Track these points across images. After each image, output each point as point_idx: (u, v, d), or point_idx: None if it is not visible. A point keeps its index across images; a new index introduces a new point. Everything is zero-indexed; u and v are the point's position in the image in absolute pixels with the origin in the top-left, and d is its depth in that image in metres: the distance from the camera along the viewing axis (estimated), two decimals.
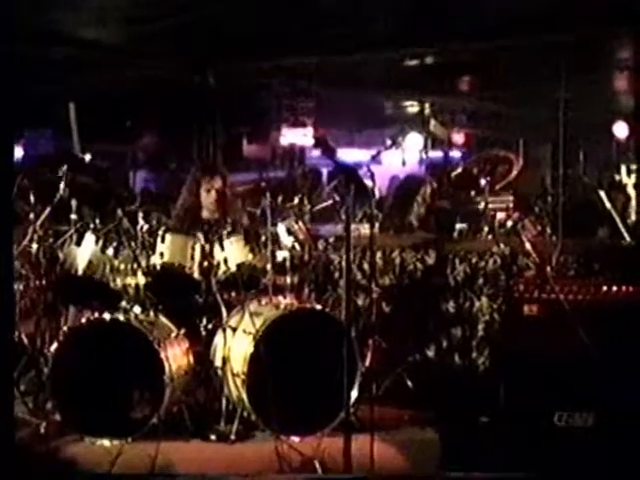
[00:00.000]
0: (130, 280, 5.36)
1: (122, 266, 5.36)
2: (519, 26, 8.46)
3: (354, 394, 4.93)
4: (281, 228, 5.57)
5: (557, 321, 4.79)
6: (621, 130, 11.72)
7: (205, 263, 5.42)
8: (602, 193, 6.28)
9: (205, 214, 5.99)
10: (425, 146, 11.20)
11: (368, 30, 8.82)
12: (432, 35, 9.01)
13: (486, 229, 6.59)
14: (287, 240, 5.55)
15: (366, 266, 6.29)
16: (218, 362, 5.26)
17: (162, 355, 4.95)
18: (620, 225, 6.34)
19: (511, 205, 7.11)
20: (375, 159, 6.57)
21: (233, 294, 5.53)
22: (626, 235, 6.22)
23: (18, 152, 10.50)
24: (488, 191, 6.63)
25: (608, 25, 8.23)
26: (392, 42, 9.24)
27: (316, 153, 10.98)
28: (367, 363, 5.45)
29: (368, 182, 5.80)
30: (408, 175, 8.40)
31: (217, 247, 5.44)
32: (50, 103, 10.31)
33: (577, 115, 9.40)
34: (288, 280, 5.49)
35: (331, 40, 9.02)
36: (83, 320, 5.22)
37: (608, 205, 6.24)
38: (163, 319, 5.41)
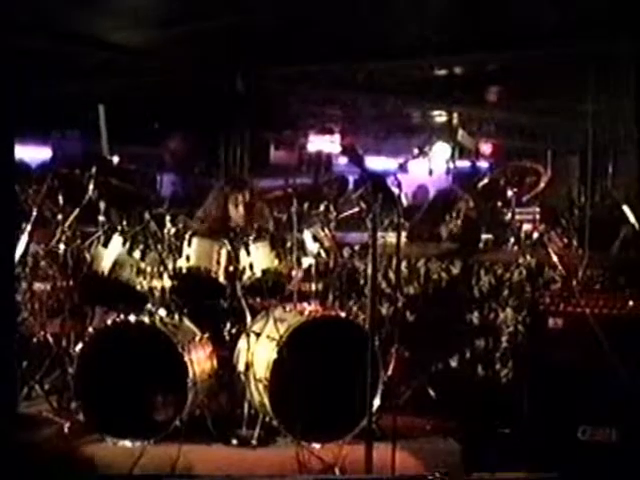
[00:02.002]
0: (156, 283, 5.39)
1: (148, 269, 5.39)
2: (548, 36, 8.44)
3: (376, 402, 4.93)
4: (307, 235, 5.58)
5: (582, 335, 4.77)
6: None
7: (231, 268, 5.44)
8: (626, 208, 6.24)
9: (233, 224, 6.01)
10: (452, 156, 11.16)
11: (397, 38, 8.83)
12: (461, 45, 9.00)
13: (512, 240, 6.56)
14: (313, 247, 5.56)
15: (391, 275, 6.28)
16: (241, 367, 5.27)
17: (186, 358, 4.97)
18: None
19: (538, 217, 7.08)
20: (402, 168, 6.55)
21: (258, 299, 5.54)
22: None
23: (46, 153, 10.58)
24: (515, 202, 6.60)
25: (638, 36, 8.18)
26: (421, 51, 9.24)
27: (343, 160, 10.98)
28: (390, 372, 5.44)
29: (395, 190, 5.79)
30: (445, 189, 8.38)
31: (243, 252, 5.46)
32: (79, 105, 10.38)
33: (605, 127, 9.35)
34: (313, 287, 5.50)
35: (360, 48, 9.03)
36: (108, 321, 5.24)
37: (632, 219, 6.19)
38: (188, 322, 5.43)
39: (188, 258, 5.39)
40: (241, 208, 6.00)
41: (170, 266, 5.39)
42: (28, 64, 3.55)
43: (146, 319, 5.16)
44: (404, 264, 6.34)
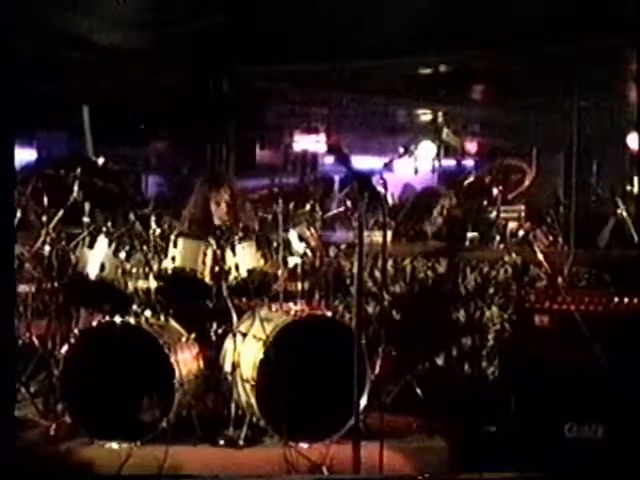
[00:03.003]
0: (141, 284, 5.38)
1: (134, 270, 5.37)
2: (533, 35, 8.46)
3: (363, 401, 4.93)
4: (293, 234, 5.58)
5: (568, 332, 4.78)
6: (634, 141, 11.67)
7: (216, 268, 5.43)
8: (619, 201, 6.27)
9: (217, 222, 6.00)
10: (438, 154, 11.17)
11: (382, 37, 8.83)
12: (446, 43, 9.01)
13: (498, 238, 6.58)
14: (299, 246, 5.56)
15: (377, 273, 6.29)
16: (228, 367, 5.26)
17: (172, 359, 4.96)
18: (635, 235, 6.32)
19: (523, 215, 7.10)
20: (388, 167, 6.58)
21: (244, 299, 5.54)
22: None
23: (31, 154, 10.55)
24: (500, 200, 6.62)
25: (623, 35, 8.21)
26: (406, 50, 9.25)
27: (329, 160, 11.00)
28: (376, 370, 5.45)
29: (381, 190, 5.81)
30: (428, 187, 8.40)
31: (229, 252, 5.45)
32: (64, 106, 10.35)
33: (590, 125, 9.38)
34: (299, 286, 5.50)
35: (344, 47, 9.03)
36: (94, 323, 5.24)
37: (625, 214, 6.22)
38: (174, 323, 5.43)
39: (174, 259, 5.37)
40: (223, 205, 5.98)
41: (156, 267, 5.37)
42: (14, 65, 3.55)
43: (132, 320, 5.15)
44: (390, 263, 6.34)
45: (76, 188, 5.61)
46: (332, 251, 6.25)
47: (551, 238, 6.79)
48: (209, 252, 5.44)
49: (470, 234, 7.00)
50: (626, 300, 4.81)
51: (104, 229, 5.45)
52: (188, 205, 6.14)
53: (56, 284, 5.67)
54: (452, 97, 11.40)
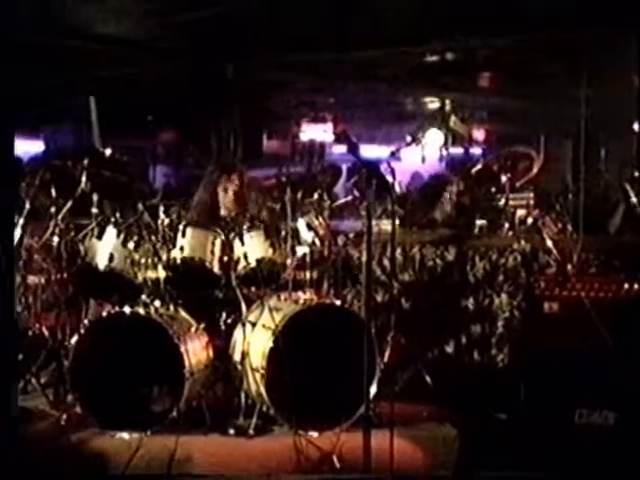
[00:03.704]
0: (150, 274, 5.38)
1: (143, 260, 5.37)
2: (541, 22, 8.43)
3: (373, 390, 4.93)
4: (301, 223, 5.58)
5: (577, 319, 4.77)
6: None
7: (225, 258, 5.43)
8: (627, 186, 6.24)
9: (223, 212, 5.99)
10: (445, 143, 11.14)
11: (389, 25, 8.81)
12: (453, 31, 8.98)
13: (506, 226, 6.56)
14: (307, 235, 5.55)
15: (386, 262, 6.28)
16: (237, 357, 5.26)
17: (182, 349, 4.96)
18: None
19: (532, 202, 7.08)
20: (395, 155, 6.54)
21: (253, 289, 5.53)
22: None
23: (39, 147, 10.55)
24: (509, 188, 6.60)
25: (629, 21, 8.18)
26: (413, 38, 9.22)
27: (336, 149, 10.97)
28: (386, 359, 5.45)
29: (389, 178, 5.79)
30: (436, 173, 8.37)
31: (237, 242, 5.44)
32: (70, 97, 10.35)
33: (598, 112, 9.35)
34: (308, 275, 5.49)
35: (351, 35, 9.01)
36: (103, 313, 5.24)
37: (634, 199, 6.20)
38: (183, 313, 5.43)
39: (182, 249, 5.37)
40: (231, 193, 5.97)
41: (164, 257, 5.37)
42: (20, 57, 3.55)
43: (141, 310, 5.15)
44: (398, 251, 6.34)
45: (84, 179, 5.62)
46: (341, 240, 6.25)
47: (560, 225, 6.76)
48: (218, 242, 5.43)
49: (479, 222, 6.99)
50: (636, 286, 4.80)
51: (112, 220, 5.45)
52: (198, 191, 6.13)
53: (65, 275, 5.68)
54: (459, 85, 11.37)
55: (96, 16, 8.77)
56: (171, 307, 5.38)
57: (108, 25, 9.05)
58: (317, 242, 5.56)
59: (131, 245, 5.37)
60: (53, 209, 5.72)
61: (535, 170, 6.86)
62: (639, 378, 4.60)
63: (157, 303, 5.32)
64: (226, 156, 10.37)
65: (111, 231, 5.39)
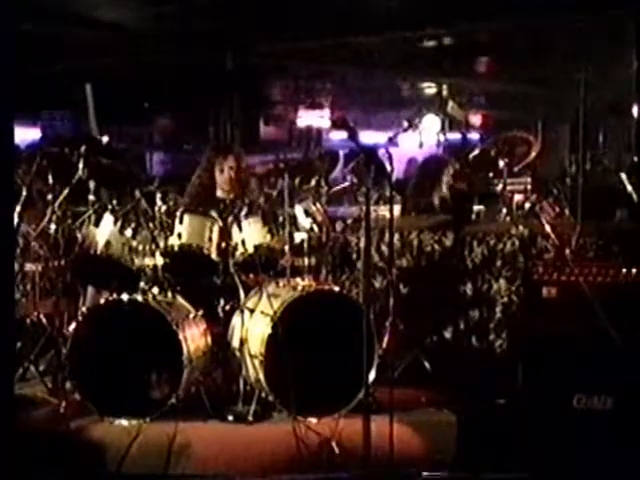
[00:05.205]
0: (148, 261, 5.37)
1: (140, 247, 5.36)
2: (537, 6, 8.41)
3: (372, 375, 4.93)
4: (299, 210, 5.57)
5: (576, 304, 4.76)
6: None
7: (223, 244, 5.42)
8: (623, 175, 6.22)
9: (219, 193, 6.00)
10: (442, 128, 11.13)
11: (385, 11, 8.78)
12: (450, 15, 8.96)
13: (504, 211, 6.56)
14: (305, 222, 5.54)
15: (384, 248, 6.27)
16: (236, 343, 5.27)
17: (180, 336, 4.96)
18: None
19: (529, 187, 7.08)
20: (392, 141, 6.53)
21: (251, 275, 5.53)
22: None
23: (36, 133, 10.53)
24: (506, 173, 6.59)
25: (628, 6, 8.16)
26: (409, 23, 9.20)
27: (333, 135, 10.97)
28: (384, 344, 5.45)
29: (386, 164, 5.78)
30: (431, 155, 8.34)
31: (235, 228, 5.44)
32: (67, 85, 10.32)
33: (596, 96, 9.33)
34: (306, 262, 5.49)
35: (348, 21, 8.99)
36: (101, 300, 5.24)
37: (629, 187, 6.18)
38: (181, 300, 5.42)
39: (180, 235, 5.37)
40: (226, 174, 5.98)
41: (162, 244, 5.37)
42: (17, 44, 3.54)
43: (139, 297, 5.15)
44: (396, 237, 6.33)
45: (81, 166, 5.60)
46: (338, 226, 6.24)
47: (558, 210, 6.75)
48: (215, 228, 5.43)
49: (476, 207, 6.98)
50: (634, 271, 4.79)
51: (109, 207, 5.44)
52: (195, 175, 6.13)
53: (63, 262, 5.67)
54: (456, 70, 11.35)
55: (94, 2, 8.74)
56: (169, 294, 5.38)
57: (106, 11, 9.02)
58: (315, 228, 5.54)
59: (129, 232, 5.37)
60: (50, 196, 5.71)
61: (533, 155, 6.84)
62: (638, 362, 4.60)
63: (155, 290, 5.32)
64: (222, 139, 10.36)
65: (108, 218, 5.38)
